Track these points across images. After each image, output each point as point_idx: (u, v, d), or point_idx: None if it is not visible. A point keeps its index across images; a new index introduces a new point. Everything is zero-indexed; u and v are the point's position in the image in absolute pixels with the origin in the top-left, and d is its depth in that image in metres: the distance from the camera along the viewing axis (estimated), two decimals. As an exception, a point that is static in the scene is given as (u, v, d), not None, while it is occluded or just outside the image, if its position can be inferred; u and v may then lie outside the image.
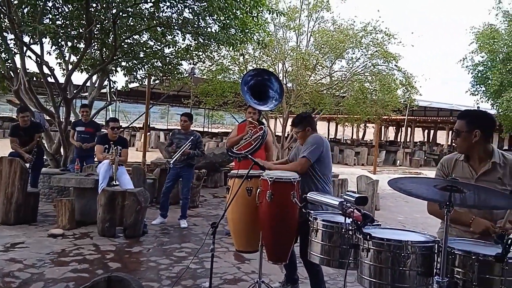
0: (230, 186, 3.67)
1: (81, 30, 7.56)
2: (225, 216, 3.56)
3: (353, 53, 12.02)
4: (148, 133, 18.24)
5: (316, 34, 11.83)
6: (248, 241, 3.74)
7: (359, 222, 2.37)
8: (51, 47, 8.02)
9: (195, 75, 13.16)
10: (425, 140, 40.20)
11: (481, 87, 19.63)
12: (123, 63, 9.47)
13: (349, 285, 3.96)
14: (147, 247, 5.27)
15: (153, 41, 9.01)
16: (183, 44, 9.07)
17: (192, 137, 6.50)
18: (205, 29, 7.79)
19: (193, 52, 9.36)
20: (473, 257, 2.12)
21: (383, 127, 36.27)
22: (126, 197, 5.61)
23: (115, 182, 6.03)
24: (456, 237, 2.52)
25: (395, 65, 11.86)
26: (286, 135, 12.80)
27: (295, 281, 4.03)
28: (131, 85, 10.95)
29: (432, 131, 37.81)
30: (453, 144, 2.69)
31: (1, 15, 6.90)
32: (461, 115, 2.67)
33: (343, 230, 2.60)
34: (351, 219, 2.45)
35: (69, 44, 7.58)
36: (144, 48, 9.07)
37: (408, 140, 30.67)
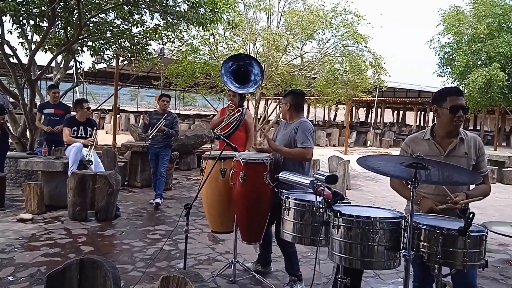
0: (204, 167, 3.68)
1: (43, 8, 7.25)
2: (199, 197, 3.57)
3: (324, 34, 12.06)
4: (118, 116, 17.84)
5: (287, 15, 11.76)
6: (222, 222, 3.79)
7: (329, 200, 2.42)
8: (12, 26, 7.68)
9: (164, 56, 12.90)
10: (395, 120, 41.09)
11: (448, 69, 20.12)
12: (89, 43, 9.16)
13: (321, 262, 4.07)
14: (120, 230, 5.24)
15: (120, 20, 8.75)
16: (151, 23, 8.88)
17: (166, 115, 6.57)
18: (174, 8, 7.63)
19: (162, 32, 9.16)
20: (438, 231, 2.21)
21: (354, 108, 36.81)
22: (97, 180, 5.53)
23: (92, 162, 5.91)
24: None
25: (364, 46, 11.97)
26: (258, 117, 12.81)
27: (267, 264, 4.09)
28: (99, 66, 10.64)
29: (401, 112, 38.66)
30: (456, 121, 2.73)
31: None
32: (461, 91, 2.76)
33: (314, 208, 2.66)
34: (321, 197, 2.51)
35: (31, 22, 7.27)
36: (111, 28, 8.80)
37: (378, 121, 31.26)
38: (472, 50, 17.93)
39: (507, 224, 2.43)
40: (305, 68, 12.23)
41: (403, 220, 2.34)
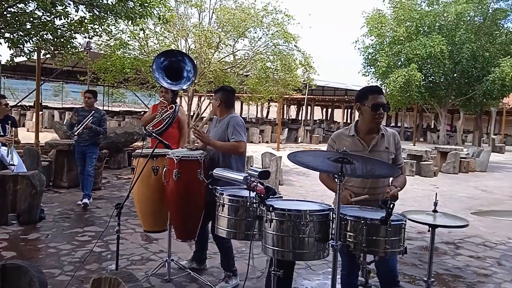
0: (135, 166, 3.61)
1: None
2: (131, 196, 3.49)
3: (255, 33, 12.22)
4: (41, 112, 16.77)
5: (218, 12, 11.78)
6: (155, 221, 3.74)
7: (262, 195, 2.49)
8: None
9: (91, 50, 12.35)
10: (324, 118, 42.66)
11: (371, 69, 21.25)
12: (7, 35, 8.52)
13: (255, 256, 4.15)
14: (45, 233, 4.98)
15: (42, 11, 8.23)
16: (76, 15, 8.43)
17: (93, 112, 6.35)
18: (100, 1, 7.33)
19: (88, 25, 8.72)
20: (362, 221, 2.38)
21: (285, 106, 37.66)
22: (19, 181, 5.21)
23: (13, 163, 5.51)
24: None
25: (294, 46, 12.31)
26: (191, 113, 12.70)
27: (202, 261, 4.11)
28: (18, 59, 9.93)
29: (329, 110, 40.23)
30: (377, 118, 2.90)
31: None
32: (381, 90, 2.92)
33: (248, 204, 2.72)
34: (255, 193, 2.58)
35: None
36: (31, 19, 8.25)
37: (308, 118, 32.27)
38: (393, 52, 19.09)
39: (423, 212, 2.66)
40: (238, 65, 12.32)
41: (331, 212, 2.47)
